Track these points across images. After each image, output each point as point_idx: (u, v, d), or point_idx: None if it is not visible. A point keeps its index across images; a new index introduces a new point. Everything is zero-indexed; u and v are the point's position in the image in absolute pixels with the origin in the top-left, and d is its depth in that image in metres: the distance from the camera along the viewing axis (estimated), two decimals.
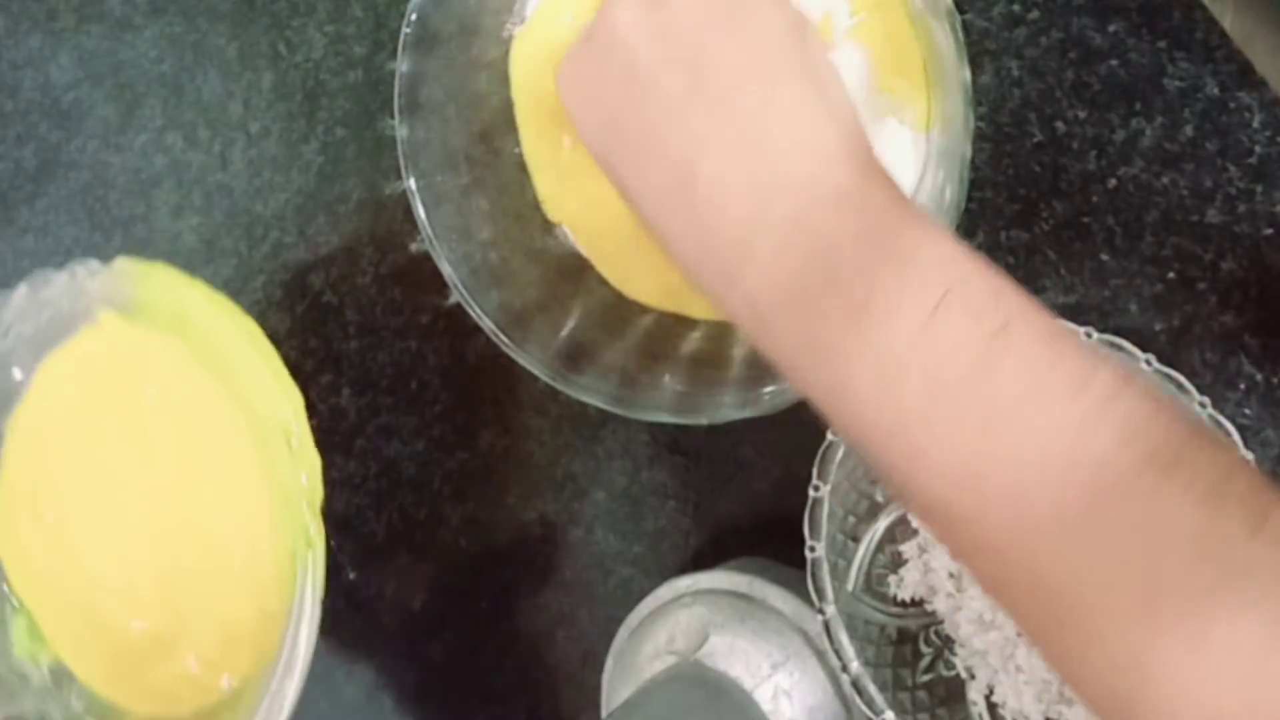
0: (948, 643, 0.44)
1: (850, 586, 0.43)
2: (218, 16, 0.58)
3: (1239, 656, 0.25)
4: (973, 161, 0.39)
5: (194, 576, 0.47)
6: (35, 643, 0.50)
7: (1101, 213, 0.44)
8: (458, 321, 0.53)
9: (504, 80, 0.47)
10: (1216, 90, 0.42)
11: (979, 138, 0.44)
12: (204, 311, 0.46)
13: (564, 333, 0.46)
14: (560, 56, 0.37)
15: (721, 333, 0.46)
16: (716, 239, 0.32)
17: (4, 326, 0.49)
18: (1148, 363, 0.39)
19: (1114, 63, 0.43)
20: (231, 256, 0.58)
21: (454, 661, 0.56)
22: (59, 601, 0.49)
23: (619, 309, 0.47)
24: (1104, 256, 0.44)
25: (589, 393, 0.44)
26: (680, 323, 0.47)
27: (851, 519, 0.44)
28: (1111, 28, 0.43)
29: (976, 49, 0.45)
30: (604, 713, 0.49)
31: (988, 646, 0.42)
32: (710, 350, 0.46)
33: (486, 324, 0.44)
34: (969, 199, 0.40)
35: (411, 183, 0.45)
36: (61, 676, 0.50)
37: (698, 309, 0.47)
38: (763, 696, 0.44)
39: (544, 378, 0.44)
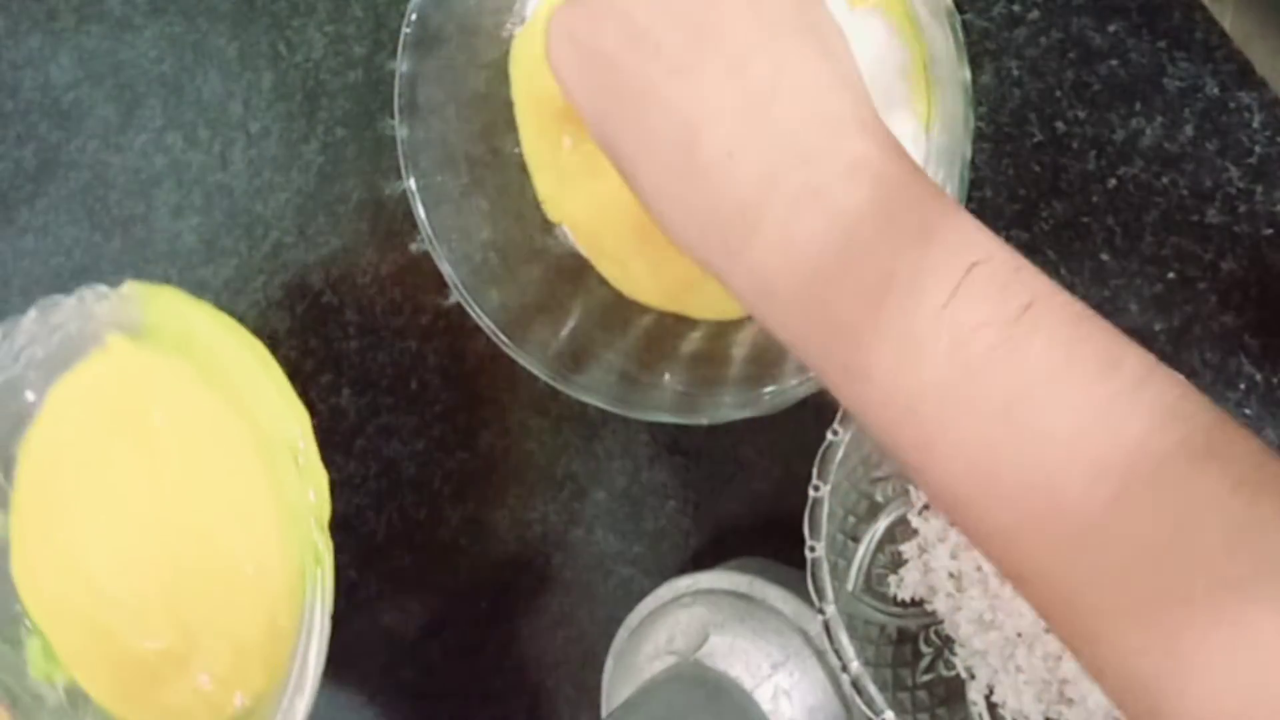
0: (948, 643, 0.44)
1: (850, 586, 0.43)
2: (218, 16, 0.58)
3: (1277, 650, 0.24)
4: (973, 161, 0.39)
5: (205, 595, 0.47)
6: (50, 664, 0.51)
7: (1101, 213, 0.44)
8: (458, 321, 0.53)
9: (504, 80, 0.47)
10: (1216, 90, 0.42)
11: (979, 138, 0.44)
12: (210, 332, 0.47)
13: (564, 333, 0.46)
14: None
15: (721, 333, 0.46)
16: (722, 208, 0.31)
17: (15, 351, 0.49)
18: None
19: (1114, 63, 0.43)
20: (231, 256, 0.58)
21: (454, 661, 0.56)
22: (72, 622, 0.49)
23: (619, 309, 0.47)
24: (1104, 256, 0.44)
25: (589, 393, 0.44)
26: (680, 323, 0.47)
27: (851, 519, 0.44)
28: (1111, 28, 0.43)
29: (976, 49, 0.45)
30: (604, 713, 0.49)
31: (988, 646, 0.42)
32: (710, 350, 0.46)
33: (486, 324, 0.44)
34: (969, 199, 0.40)
35: (411, 183, 0.45)
36: (77, 697, 0.50)
37: (698, 309, 0.47)
38: (763, 696, 0.44)
39: (544, 378, 0.44)
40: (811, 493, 0.41)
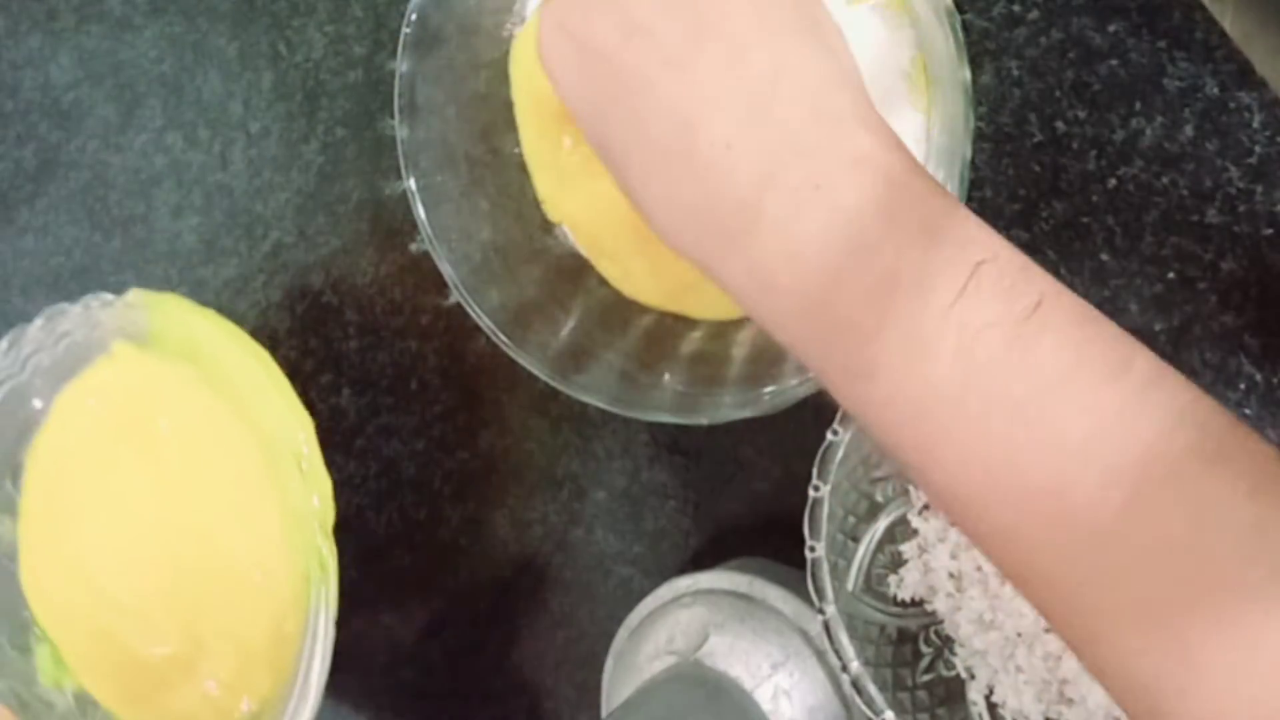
0: (948, 643, 0.44)
1: (850, 586, 0.43)
2: (218, 16, 0.58)
3: None
4: (973, 161, 0.39)
5: (211, 601, 0.48)
6: (60, 670, 0.51)
7: (1101, 213, 0.44)
8: (458, 321, 0.53)
9: (504, 80, 0.47)
10: (1216, 90, 0.42)
11: (979, 138, 0.44)
12: (214, 339, 0.47)
13: (564, 333, 0.46)
14: None
15: (721, 333, 0.46)
16: (719, 203, 0.30)
17: (22, 358, 0.50)
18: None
19: (1114, 63, 0.43)
20: (231, 256, 0.58)
21: (454, 661, 0.56)
22: (79, 629, 0.50)
23: (619, 309, 0.47)
24: (1104, 256, 0.44)
25: (589, 393, 0.44)
26: (680, 323, 0.47)
27: (851, 519, 0.44)
28: (1111, 28, 0.43)
29: (976, 49, 0.45)
30: (604, 713, 0.49)
31: (988, 646, 0.42)
32: (710, 350, 0.46)
33: (486, 324, 0.44)
34: (969, 199, 0.40)
35: (411, 183, 0.45)
36: (86, 703, 0.51)
37: (698, 309, 0.47)
38: (763, 696, 0.44)
39: (544, 378, 0.44)
40: (811, 493, 0.41)
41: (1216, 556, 0.25)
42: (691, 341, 0.47)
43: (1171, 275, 0.43)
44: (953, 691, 0.43)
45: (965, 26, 0.40)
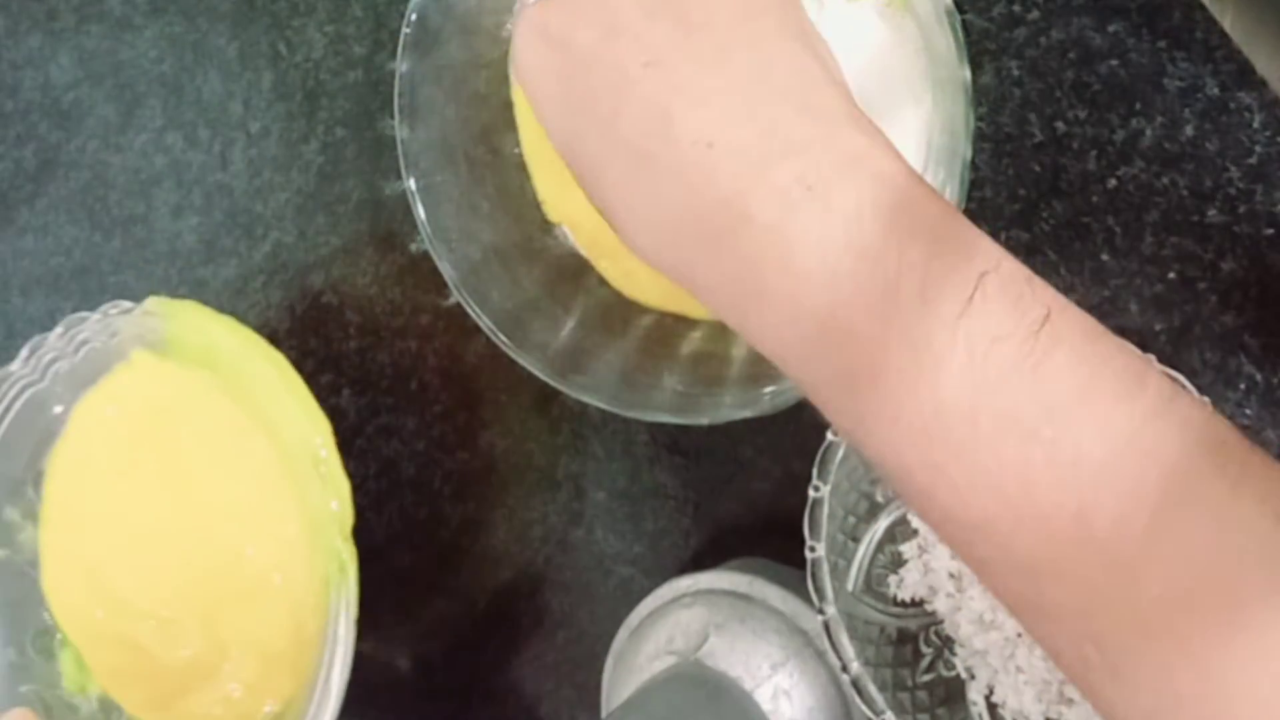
0: (948, 643, 0.44)
1: (850, 586, 0.43)
2: (218, 16, 0.58)
3: None
4: (973, 161, 0.39)
5: (232, 605, 0.48)
6: (84, 675, 0.51)
7: (1101, 213, 0.44)
8: (458, 321, 0.53)
9: (504, 80, 0.47)
10: (1216, 90, 0.42)
11: (979, 138, 0.44)
12: (232, 346, 0.47)
13: (564, 333, 0.46)
14: None
15: (721, 333, 0.46)
16: (700, 205, 0.28)
17: (42, 366, 0.50)
18: (1145, 359, 0.39)
19: (1114, 63, 0.43)
20: (231, 256, 0.58)
21: (454, 661, 0.56)
22: (101, 635, 0.50)
23: (619, 309, 0.47)
24: (1104, 256, 0.44)
25: (589, 393, 0.44)
26: (680, 323, 0.47)
27: (851, 519, 0.44)
28: (1111, 28, 0.43)
29: (976, 49, 0.45)
30: (604, 713, 0.49)
31: (988, 646, 0.42)
32: (710, 350, 0.46)
33: (486, 324, 0.44)
34: (969, 199, 0.40)
35: (411, 183, 0.45)
36: (110, 707, 0.51)
37: (698, 309, 0.47)
38: (763, 696, 0.44)
39: (544, 378, 0.44)
40: (811, 493, 0.41)
41: (1244, 580, 0.24)
42: (691, 341, 0.47)
43: (1171, 275, 0.43)
44: (953, 692, 0.43)
45: (965, 26, 0.40)
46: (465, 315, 0.45)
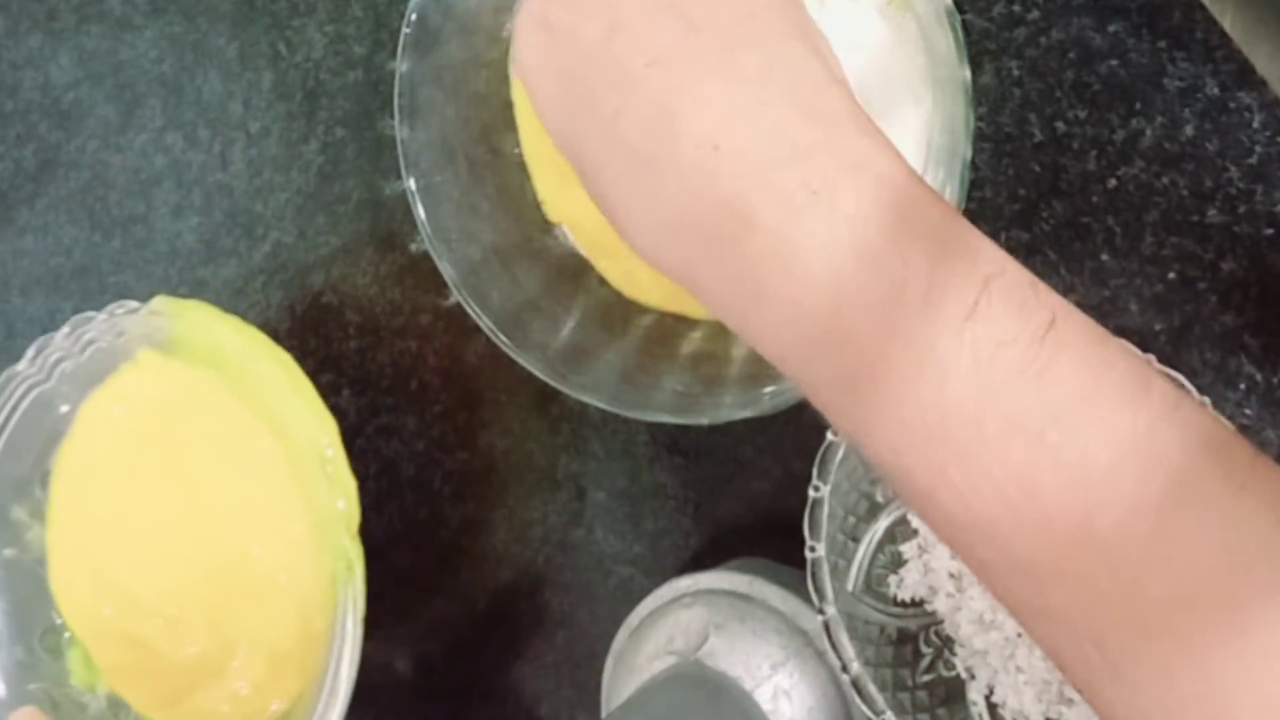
0: (948, 643, 0.44)
1: (850, 586, 0.43)
2: (218, 16, 0.58)
3: None
4: (973, 161, 0.39)
5: (239, 604, 0.48)
6: (92, 673, 0.52)
7: (1101, 213, 0.44)
8: (458, 321, 0.53)
9: (504, 80, 0.47)
10: (1216, 90, 0.42)
11: (979, 138, 0.44)
12: (238, 346, 0.47)
13: (564, 333, 0.46)
14: None
15: (721, 333, 0.46)
16: (704, 208, 0.28)
17: (48, 366, 0.50)
18: (1148, 363, 0.39)
19: (1114, 63, 0.43)
20: (231, 256, 0.58)
21: (454, 661, 0.56)
22: (109, 632, 0.50)
23: (619, 309, 0.47)
24: (1104, 256, 0.44)
25: (589, 393, 0.44)
26: (680, 323, 0.47)
27: (851, 519, 0.44)
28: (1111, 28, 0.43)
29: (976, 49, 0.45)
30: (604, 713, 0.49)
31: (988, 646, 0.42)
32: (710, 350, 0.46)
33: (486, 324, 0.44)
34: (969, 199, 0.40)
35: (411, 183, 0.45)
36: (118, 705, 0.51)
37: (698, 309, 0.47)
38: (763, 696, 0.44)
39: (544, 378, 0.44)
40: (811, 493, 0.41)
41: (1247, 582, 0.24)
42: (691, 341, 0.47)
43: (1171, 275, 0.43)
44: (953, 692, 0.43)
45: (965, 26, 0.40)
46: (465, 315, 0.45)
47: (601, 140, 0.30)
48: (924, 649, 0.44)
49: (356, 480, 0.56)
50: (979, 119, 0.44)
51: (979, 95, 0.44)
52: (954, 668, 0.43)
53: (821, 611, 0.41)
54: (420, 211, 0.45)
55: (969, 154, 0.38)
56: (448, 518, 0.55)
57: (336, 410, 0.56)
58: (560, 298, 0.47)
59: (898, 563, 0.44)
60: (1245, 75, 0.42)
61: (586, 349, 0.46)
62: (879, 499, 0.44)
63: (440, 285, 0.45)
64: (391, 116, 0.45)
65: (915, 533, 0.44)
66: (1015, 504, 0.26)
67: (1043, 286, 0.27)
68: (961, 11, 0.42)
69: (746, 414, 0.41)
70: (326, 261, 0.56)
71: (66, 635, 0.52)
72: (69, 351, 0.50)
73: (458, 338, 0.54)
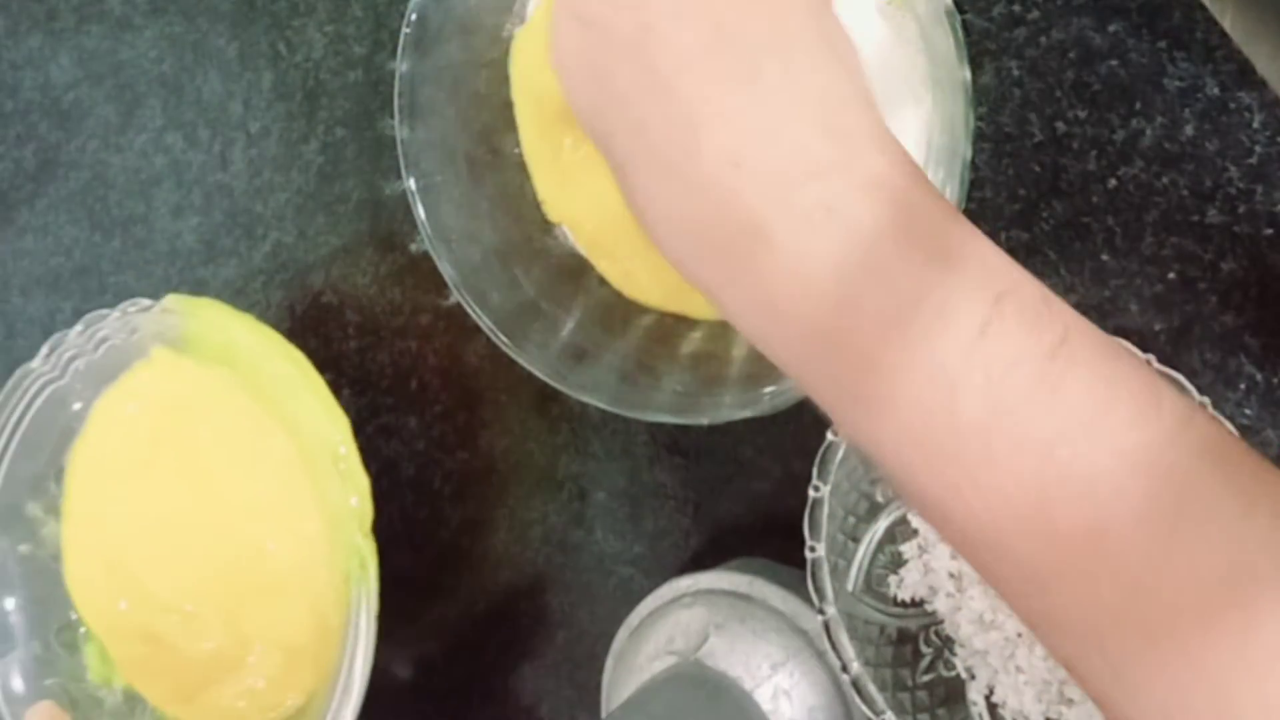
0: (948, 643, 0.44)
1: (850, 587, 0.43)
2: (218, 16, 0.58)
3: None
4: (973, 161, 0.39)
5: (254, 600, 0.48)
6: (108, 667, 0.52)
7: (1101, 213, 0.44)
8: (458, 321, 0.53)
9: (504, 80, 0.47)
10: (1216, 90, 0.42)
11: (979, 138, 0.44)
12: (250, 343, 0.48)
13: (564, 333, 0.46)
14: None
15: (721, 333, 0.46)
16: (723, 221, 0.29)
17: (62, 363, 0.51)
18: (1148, 363, 0.39)
19: (1114, 63, 0.43)
20: (231, 256, 0.58)
21: (454, 661, 0.56)
22: (124, 627, 0.50)
23: (619, 309, 0.47)
24: (1104, 256, 0.44)
25: (589, 393, 0.44)
26: (680, 323, 0.47)
27: (851, 519, 0.44)
28: (1111, 28, 0.43)
29: (976, 49, 0.45)
30: (604, 713, 0.49)
31: (988, 646, 0.42)
32: (710, 350, 0.46)
33: (486, 324, 0.44)
34: (969, 199, 0.40)
35: (411, 183, 0.45)
36: (134, 700, 0.52)
37: (698, 309, 0.47)
38: (763, 696, 0.44)
39: (544, 378, 0.44)
40: (811, 493, 0.41)
41: (1255, 592, 0.24)
42: (691, 341, 0.47)
43: (1171, 275, 0.43)
44: (953, 692, 0.43)
45: (965, 26, 0.40)
46: (465, 315, 0.45)
47: (628, 143, 0.31)
48: (924, 649, 0.44)
49: None
50: (979, 119, 0.44)
51: (979, 95, 0.44)
52: (954, 668, 0.43)
53: (821, 611, 0.41)
54: (420, 211, 0.45)
55: (969, 154, 0.39)
56: (448, 518, 0.55)
57: None
58: (560, 298, 0.47)
59: (898, 563, 0.44)
60: (1245, 75, 0.42)
61: (586, 349, 0.46)
62: (879, 499, 0.44)
63: (440, 285, 0.45)
64: (391, 116, 0.45)
65: (915, 533, 0.44)
66: (1024, 517, 0.26)
67: (1056, 301, 0.27)
68: (961, 11, 0.42)
69: (746, 414, 0.41)
70: (326, 261, 0.56)
71: (82, 630, 0.52)
72: (83, 349, 0.50)
73: (458, 338, 0.54)
